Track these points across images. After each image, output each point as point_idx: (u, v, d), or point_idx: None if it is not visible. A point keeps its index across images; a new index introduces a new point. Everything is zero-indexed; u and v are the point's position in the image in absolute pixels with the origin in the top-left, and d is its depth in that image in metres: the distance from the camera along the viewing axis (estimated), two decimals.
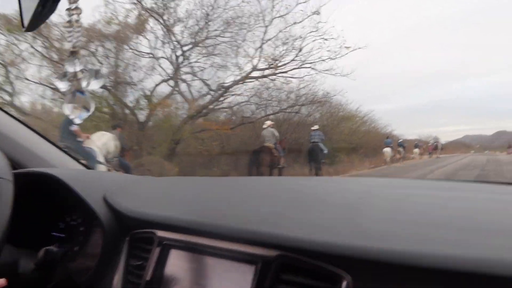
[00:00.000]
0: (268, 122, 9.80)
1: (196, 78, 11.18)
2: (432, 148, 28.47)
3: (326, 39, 10.50)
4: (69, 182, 0.87)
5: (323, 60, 10.71)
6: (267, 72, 11.14)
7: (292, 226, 0.63)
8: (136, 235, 0.82)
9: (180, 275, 0.70)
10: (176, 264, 0.72)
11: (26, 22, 0.51)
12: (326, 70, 10.83)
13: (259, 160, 8.74)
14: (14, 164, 0.95)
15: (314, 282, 0.54)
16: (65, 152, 1.33)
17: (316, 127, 11.73)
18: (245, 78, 10.76)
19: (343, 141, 16.54)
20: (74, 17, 0.46)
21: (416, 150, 26.99)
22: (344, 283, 0.52)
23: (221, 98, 11.58)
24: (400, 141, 22.73)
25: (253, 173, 8.57)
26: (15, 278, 0.75)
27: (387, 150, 17.43)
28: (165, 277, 0.71)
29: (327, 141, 14.47)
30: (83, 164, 1.38)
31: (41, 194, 0.95)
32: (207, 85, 11.46)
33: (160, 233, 0.76)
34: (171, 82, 10.86)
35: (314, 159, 10.85)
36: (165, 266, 0.72)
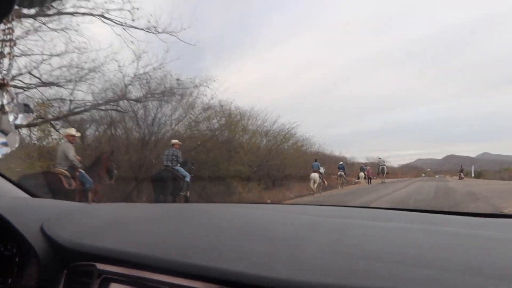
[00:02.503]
0: (67, 131, 6.10)
1: None
2: (372, 172, 24.39)
3: None
4: (3, 212, 0.85)
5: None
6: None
7: (233, 259, 0.64)
8: (74, 268, 0.79)
9: None
10: None
11: None
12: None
13: None
14: None
15: None
16: (7, 179, 1.27)
17: (174, 141, 8.01)
18: None
19: (238, 163, 11.88)
20: (6, 49, 0.44)
21: (362, 174, 23.50)
22: None
23: None
24: (340, 163, 19.66)
25: None
26: None
27: (314, 175, 14.23)
28: None
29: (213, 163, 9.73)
30: (27, 191, 1.30)
31: None
32: None
33: (100, 266, 0.74)
34: None
35: (163, 191, 7.29)
36: None
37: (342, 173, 18.41)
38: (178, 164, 7.72)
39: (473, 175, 35.05)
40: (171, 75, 8.47)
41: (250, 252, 0.65)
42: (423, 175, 53.83)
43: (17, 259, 0.88)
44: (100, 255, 0.74)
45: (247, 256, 0.63)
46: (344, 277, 0.54)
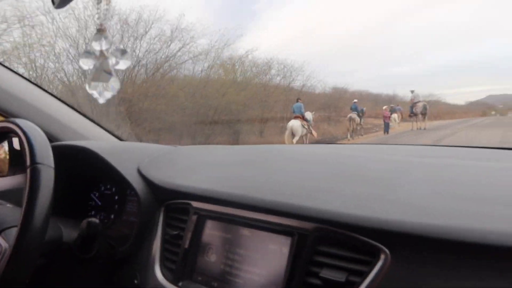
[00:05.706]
0: None
1: None
2: (390, 113, 16.86)
3: None
4: (104, 155, 0.90)
5: None
6: None
7: (328, 198, 0.63)
8: (171, 206, 0.85)
9: (217, 244, 0.72)
10: (213, 234, 0.74)
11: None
12: None
13: None
14: (49, 137, 0.86)
15: (352, 254, 0.56)
16: (98, 124, 1.34)
17: None
18: None
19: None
20: None
21: (395, 116, 18.36)
22: (382, 256, 0.52)
23: None
24: (354, 102, 14.93)
25: None
26: (60, 246, 0.76)
27: (293, 124, 10.38)
28: (202, 246, 0.74)
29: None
30: (116, 136, 1.39)
31: (75, 165, 0.98)
32: None
33: (196, 204, 0.78)
34: None
35: None
36: (202, 235, 0.75)
37: (354, 116, 13.09)
38: None
39: None
40: None
41: (347, 191, 0.65)
42: (493, 113, 44.01)
43: (116, 198, 0.99)
44: (195, 194, 0.78)
45: (343, 196, 0.63)
46: (454, 219, 0.51)
